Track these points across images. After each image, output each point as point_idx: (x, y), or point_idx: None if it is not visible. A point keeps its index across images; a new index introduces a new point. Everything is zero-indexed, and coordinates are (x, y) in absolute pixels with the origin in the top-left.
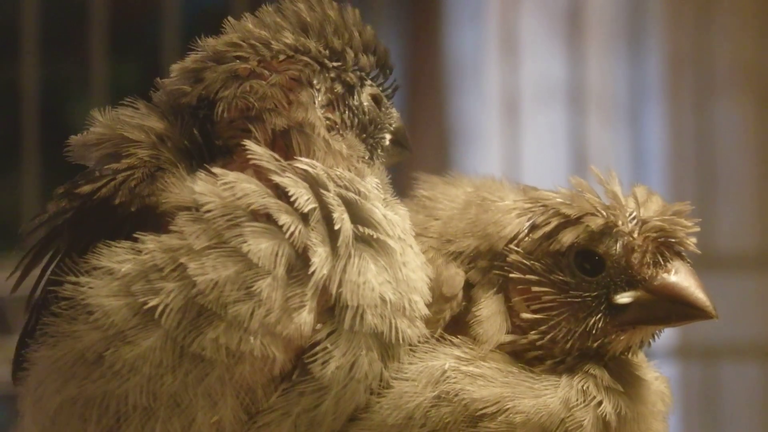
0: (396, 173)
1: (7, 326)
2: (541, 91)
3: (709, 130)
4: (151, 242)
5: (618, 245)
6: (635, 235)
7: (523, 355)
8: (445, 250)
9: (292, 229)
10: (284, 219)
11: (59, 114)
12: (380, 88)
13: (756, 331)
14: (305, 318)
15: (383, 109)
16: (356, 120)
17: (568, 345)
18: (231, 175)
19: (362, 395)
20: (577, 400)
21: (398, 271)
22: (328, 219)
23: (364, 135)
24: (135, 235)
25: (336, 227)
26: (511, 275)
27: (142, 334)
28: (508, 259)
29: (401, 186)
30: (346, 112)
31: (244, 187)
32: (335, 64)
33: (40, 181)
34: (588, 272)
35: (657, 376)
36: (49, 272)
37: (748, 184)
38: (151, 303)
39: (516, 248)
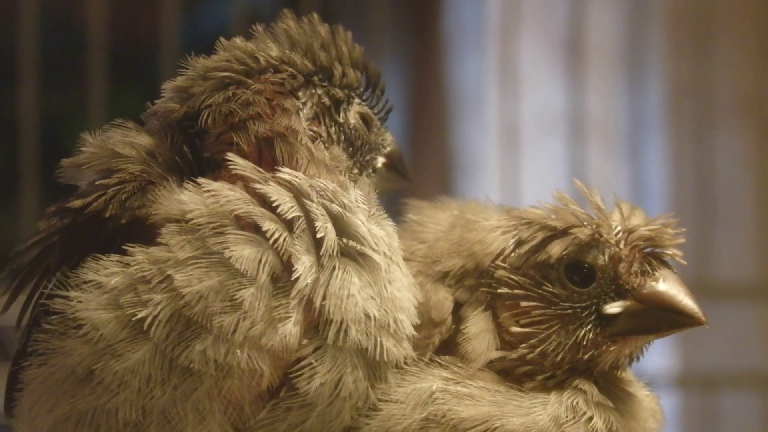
0: (396, 201)
1: (7, 354)
2: (541, 120)
3: (710, 160)
4: (139, 254)
5: (605, 256)
6: (621, 245)
7: (513, 372)
8: (432, 271)
9: (276, 236)
10: (268, 226)
11: (59, 143)
12: (373, 110)
13: (755, 361)
14: (290, 329)
15: (374, 129)
16: (342, 135)
17: (559, 358)
18: (215, 185)
19: (348, 414)
20: (566, 416)
21: (383, 289)
22: (312, 229)
23: (351, 150)
24: (124, 247)
25: (319, 236)
26: (498, 291)
27: (131, 347)
28: (495, 275)
29: (399, 213)
30: (333, 126)
31: (228, 194)
32: (321, 77)
33: (39, 212)
34: (578, 284)
35: (647, 394)
36: (40, 290)
37: (748, 214)
38: (140, 315)
39: (502, 264)
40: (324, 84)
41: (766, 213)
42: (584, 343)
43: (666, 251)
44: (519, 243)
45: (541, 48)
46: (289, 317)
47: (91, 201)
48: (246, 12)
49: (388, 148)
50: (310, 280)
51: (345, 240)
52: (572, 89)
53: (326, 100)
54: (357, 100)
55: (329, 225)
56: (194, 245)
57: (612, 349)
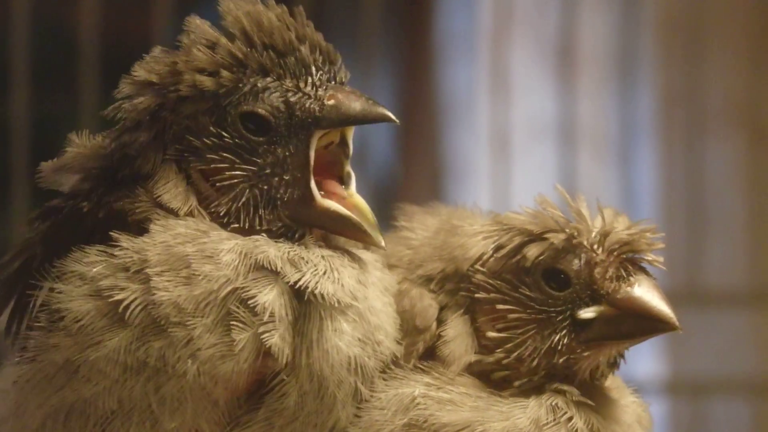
0: (388, 206)
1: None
2: (532, 127)
3: (700, 167)
4: (125, 241)
5: (581, 260)
6: (597, 249)
7: (491, 376)
8: (415, 275)
9: (210, 299)
10: (201, 289)
11: (50, 148)
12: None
13: (745, 368)
14: (234, 369)
15: (279, 119)
16: (234, 147)
17: (535, 363)
18: (165, 236)
19: (340, 411)
20: (547, 418)
21: (363, 320)
22: (249, 301)
23: (254, 158)
24: (110, 233)
25: (276, 312)
26: (476, 295)
27: (107, 335)
28: (473, 279)
29: (391, 217)
30: (212, 142)
31: (176, 252)
32: (174, 98)
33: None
34: (554, 289)
35: (635, 400)
36: (26, 295)
37: (738, 220)
38: (116, 297)
39: (481, 268)
40: (176, 103)
41: (756, 220)
42: (559, 348)
43: (644, 256)
44: (498, 248)
45: (532, 54)
46: (234, 358)
47: (69, 198)
48: None
49: (326, 111)
50: (288, 352)
51: (306, 300)
52: (563, 96)
53: (176, 127)
54: (247, 98)
55: (280, 301)
56: (164, 265)
57: (587, 354)
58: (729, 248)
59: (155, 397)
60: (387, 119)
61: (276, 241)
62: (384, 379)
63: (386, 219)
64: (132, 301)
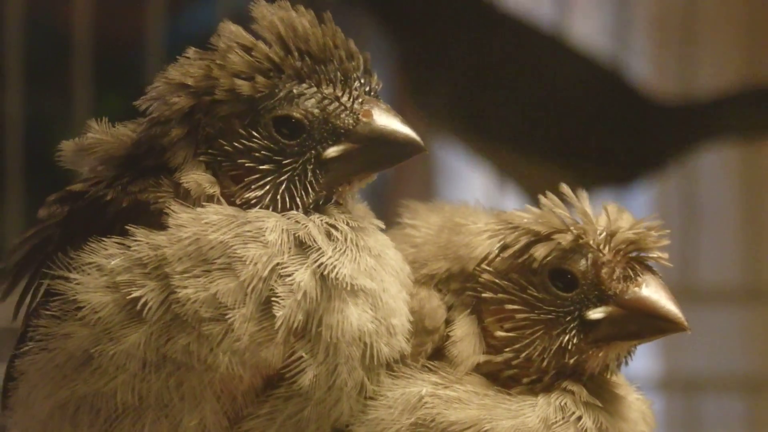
0: (383, 202)
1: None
2: None
3: (693, 165)
4: (141, 236)
5: (587, 261)
6: (604, 249)
7: (499, 375)
8: (419, 274)
9: (255, 282)
10: (245, 275)
11: (44, 147)
12: (323, 102)
13: (739, 365)
14: (273, 352)
15: (314, 123)
16: (262, 151)
17: (544, 364)
18: (196, 227)
19: (345, 403)
20: (555, 417)
21: (378, 300)
22: (287, 275)
23: (280, 161)
24: (127, 227)
25: (299, 282)
26: (483, 295)
27: (126, 330)
28: (479, 279)
29: (388, 213)
30: (238, 145)
31: (210, 239)
32: (208, 99)
33: (24, 216)
34: (561, 290)
35: (638, 397)
36: (39, 278)
37: (731, 218)
38: (135, 294)
39: (487, 268)
40: (209, 106)
41: (749, 218)
42: (569, 348)
43: (650, 254)
44: (504, 247)
45: None
46: (272, 339)
47: (93, 185)
48: (231, 16)
49: (359, 127)
50: (300, 317)
51: (329, 284)
52: None
53: (209, 129)
54: (281, 101)
55: (305, 273)
56: (192, 260)
57: (599, 354)
58: (722, 246)
59: (176, 393)
60: (414, 143)
61: (309, 216)
62: (391, 378)
63: (379, 217)
64: (149, 299)
